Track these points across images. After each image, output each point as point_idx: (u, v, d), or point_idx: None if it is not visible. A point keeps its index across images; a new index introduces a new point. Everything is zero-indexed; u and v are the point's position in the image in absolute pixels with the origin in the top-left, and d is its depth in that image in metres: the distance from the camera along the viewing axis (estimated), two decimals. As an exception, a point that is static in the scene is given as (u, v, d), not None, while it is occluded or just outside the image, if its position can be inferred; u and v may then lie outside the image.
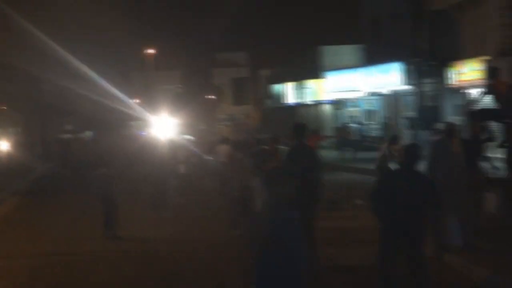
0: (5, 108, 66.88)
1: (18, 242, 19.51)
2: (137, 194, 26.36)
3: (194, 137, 50.03)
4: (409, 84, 47.12)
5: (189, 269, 15.31)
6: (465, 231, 13.68)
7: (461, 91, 41.03)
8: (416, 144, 11.07)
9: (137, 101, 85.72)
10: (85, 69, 56.25)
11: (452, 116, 44.81)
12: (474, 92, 38.27)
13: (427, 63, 45.28)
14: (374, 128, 50.84)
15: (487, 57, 34.14)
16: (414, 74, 46.44)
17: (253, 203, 19.06)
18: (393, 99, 50.52)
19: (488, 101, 17.51)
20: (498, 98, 15.43)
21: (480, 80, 35.94)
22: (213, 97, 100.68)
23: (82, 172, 38.57)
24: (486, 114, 15.54)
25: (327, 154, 40.91)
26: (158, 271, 15.29)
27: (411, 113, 47.18)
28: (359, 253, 15.44)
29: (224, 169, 20.79)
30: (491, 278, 12.09)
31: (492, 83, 15.61)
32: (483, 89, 16.28)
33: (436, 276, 11.31)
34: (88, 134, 73.98)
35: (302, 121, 26.83)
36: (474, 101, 16.42)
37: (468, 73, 38.12)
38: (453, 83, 41.23)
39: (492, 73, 15.67)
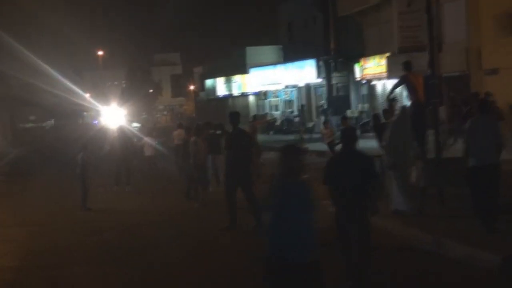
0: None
1: (6, 214, 19.27)
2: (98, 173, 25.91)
3: (140, 124, 49.79)
4: (321, 77, 47.67)
5: (157, 235, 15.23)
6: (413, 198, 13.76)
7: (364, 83, 41.67)
8: (352, 127, 11.09)
9: (89, 95, 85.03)
10: (45, 66, 55.74)
11: (358, 104, 45.51)
12: (377, 83, 38.93)
13: (336, 60, 45.89)
14: (292, 115, 51.25)
15: (388, 54, 34.64)
16: (324, 69, 47.08)
17: (207, 177, 19.53)
18: (307, 90, 51.03)
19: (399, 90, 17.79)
20: (410, 87, 15.72)
21: (382, 73, 36.51)
22: (151, 91, 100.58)
23: (48, 155, 38.46)
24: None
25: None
26: (132, 237, 15.17)
27: (323, 102, 47.76)
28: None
29: (180, 150, 20.95)
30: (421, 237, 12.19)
31: (406, 75, 15.89)
32: (397, 80, 16.45)
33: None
34: (49, 123, 73.31)
35: (233, 110, 27.25)
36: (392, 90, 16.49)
37: (372, 68, 38.65)
38: (359, 76, 41.78)
39: (406, 66, 15.95)
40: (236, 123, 15.19)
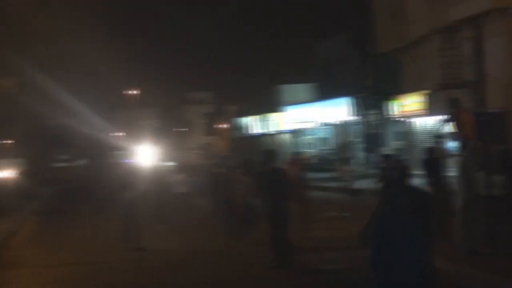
0: (12, 142, 66.34)
1: (46, 253, 19.13)
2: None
3: (175, 162, 49.73)
4: (356, 115, 47.31)
5: (202, 274, 15.07)
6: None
7: (402, 120, 41.12)
8: (402, 162, 10.56)
9: (122, 133, 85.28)
10: (78, 106, 56.02)
11: (394, 142, 45.09)
12: (416, 120, 38.38)
13: (372, 97, 45.61)
14: (328, 153, 50.73)
15: (427, 91, 34.26)
16: (360, 107, 46.78)
17: (256, 214, 19.21)
18: (343, 128, 50.65)
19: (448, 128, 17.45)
20: (459, 125, 15.42)
21: (421, 110, 36.05)
22: (184, 129, 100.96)
23: (84, 194, 38.42)
24: None
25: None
26: (178, 277, 15.03)
27: (358, 139, 47.31)
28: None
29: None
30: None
31: (455, 112, 15.57)
32: (444, 117, 16.12)
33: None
34: (81, 162, 73.46)
35: (270, 148, 27.09)
36: (440, 127, 16.18)
37: (409, 105, 38.17)
38: (396, 114, 41.29)
39: (454, 103, 15.63)
40: (272, 161, 14.87)
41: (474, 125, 14.97)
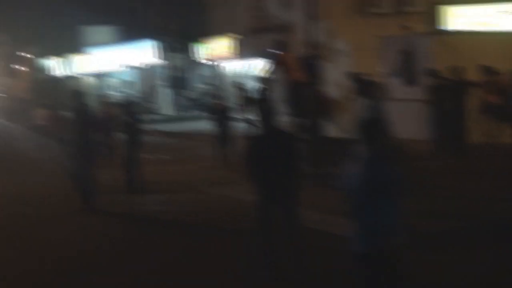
0: None
1: None
2: None
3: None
4: (161, 58, 46.95)
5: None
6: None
7: (210, 63, 41.30)
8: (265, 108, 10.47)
9: None
10: None
11: (199, 85, 45.28)
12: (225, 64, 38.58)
13: (177, 40, 45.43)
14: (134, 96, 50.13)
15: (236, 35, 34.51)
16: (166, 50, 46.45)
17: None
18: (148, 71, 50.24)
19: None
20: (285, 68, 15.59)
21: (228, 54, 36.29)
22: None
23: None
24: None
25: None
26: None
27: (164, 83, 47.02)
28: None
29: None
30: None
31: (282, 55, 15.72)
32: (269, 60, 16.20)
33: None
34: None
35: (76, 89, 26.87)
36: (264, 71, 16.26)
37: (217, 49, 38.34)
38: (203, 57, 41.38)
39: (282, 46, 15.79)
40: (80, 101, 15.60)
41: (302, 68, 15.25)
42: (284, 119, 15.72)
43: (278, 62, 15.98)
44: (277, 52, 15.98)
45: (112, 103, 24.92)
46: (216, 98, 22.30)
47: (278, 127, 9.46)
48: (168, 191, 17.12)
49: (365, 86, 12.40)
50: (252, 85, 21.76)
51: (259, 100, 16.49)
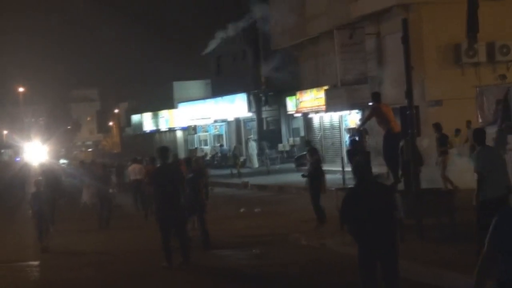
0: None
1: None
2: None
3: (67, 160, 48.56)
4: (251, 111, 47.07)
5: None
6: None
7: (300, 116, 41.02)
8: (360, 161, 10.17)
9: (6, 132, 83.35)
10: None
11: (290, 138, 45.24)
12: (314, 116, 38.25)
13: (266, 94, 45.56)
14: (224, 149, 50.32)
15: (326, 87, 34.20)
16: (255, 103, 46.57)
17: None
18: (237, 124, 50.41)
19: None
20: (383, 118, 15.29)
21: (320, 106, 35.93)
22: (69, 127, 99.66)
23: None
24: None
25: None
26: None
27: (250, 137, 46.95)
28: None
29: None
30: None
31: (376, 105, 15.46)
32: (369, 111, 15.95)
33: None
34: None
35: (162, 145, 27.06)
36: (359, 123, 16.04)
37: (308, 101, 38.04)
38: (293, 109, 41.20)
39: (376, 97, 15.53)
40: (165, 158, 14.77)
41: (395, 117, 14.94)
42: (380, 170, 15.38)
43: (374, 113, 15.70)
44: (373, 103, 15.73)
45: (199, 157, 25.06)
46: (309, 150, 22.00)
47: (374, 179, 9.23)
48: (259, 243, 16.68)
49: (479, 134, 11.81)
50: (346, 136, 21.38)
51: (353, 151, 16.16)
